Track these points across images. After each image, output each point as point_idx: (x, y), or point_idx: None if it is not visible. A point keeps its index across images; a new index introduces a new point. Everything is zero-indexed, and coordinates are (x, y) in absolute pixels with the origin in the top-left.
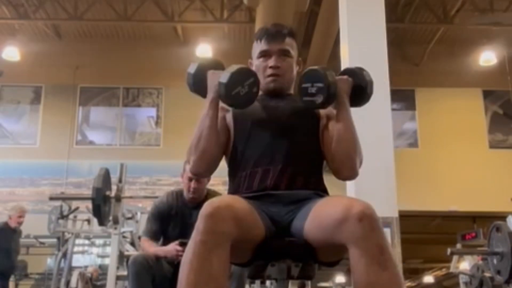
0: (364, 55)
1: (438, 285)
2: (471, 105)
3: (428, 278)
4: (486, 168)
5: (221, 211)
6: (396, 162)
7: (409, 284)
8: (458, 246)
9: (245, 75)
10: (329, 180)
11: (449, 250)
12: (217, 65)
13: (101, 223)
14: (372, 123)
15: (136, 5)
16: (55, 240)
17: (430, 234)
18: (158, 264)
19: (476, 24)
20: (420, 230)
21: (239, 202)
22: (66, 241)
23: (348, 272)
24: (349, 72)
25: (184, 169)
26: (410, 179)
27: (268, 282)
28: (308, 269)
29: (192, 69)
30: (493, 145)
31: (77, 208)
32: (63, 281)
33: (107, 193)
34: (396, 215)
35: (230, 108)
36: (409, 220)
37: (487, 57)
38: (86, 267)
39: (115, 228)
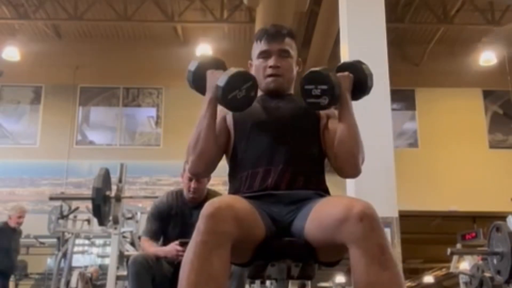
0: (364, 55)
1: (438, 285)
2: (471, 105)
3: (428, 278)
4: (486, 168)
5: (222, 211)
6: (396, 162)
7: (409, 284)
8: (458, 246)
9: (243, 79)
10: (329, 179)
11: (449, 250)
12: (218, 63)
13: (101, 223)
14: (372, 123)
15: (136, 5)
16: (55, 240)
17: (430, 234)
18: (158, 264)
19: (477, 24)
20: (420, 230)
21: (240, 202)
22: (66, 241)
23: (348, 272)
24: (348, 66)
25: (184, 169)
26: (410, 179)
27: (268, 282)
28: (308, 269)
29: (192, 66)
30: (493, 145)
31: (77, 208)
32: (63, 281)
33: (107, 193)
34: (396, 215)
35: None
36: (409, 220)
37: (487, 57)
38: (86, 267)
39: (115, 228)
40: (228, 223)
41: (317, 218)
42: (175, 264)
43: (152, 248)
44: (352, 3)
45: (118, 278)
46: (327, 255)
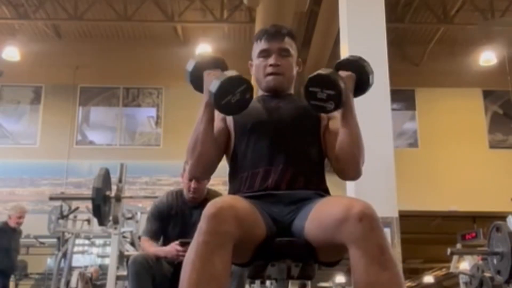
0: (364, 55)
1: (438, 285)
2: (471, 105)
3: (428, 278)
4: (486, 168)
5: (224, 211)
6: (396, 162)
7: (409, 284)
8: (458, 246)
9: (236, 83)
10: (329, 179)
11: (449, 250)
12: (216, 62)
13: (101, 223)
14: (372, 123)
15: (136, 5)
16: (55, 240)
17: (430, 234)
18: (158, 264)
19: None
20: (420, 230)
21: (241, 202)
22: (66, 241)
23: (348, 272)
24: (349, 63)
25: (184, 169)
26: (410, 179)
27: (268, 282)
28: (308, 269)
29: (189, 66)
30: (493, 145)
31: (77, 208)
32: (63, 281)
33: (107, 193)
34: (396, 215)
35: None
36: (409, 220)
37: (487, 57)
38: (86, 267)
39: (115, 228)
40: (230, 224)
41: (317, 218)
42: (175, 264)
43: (152, 248)
44: (352, 3)
45: (118, 278)
46: (327, 255)
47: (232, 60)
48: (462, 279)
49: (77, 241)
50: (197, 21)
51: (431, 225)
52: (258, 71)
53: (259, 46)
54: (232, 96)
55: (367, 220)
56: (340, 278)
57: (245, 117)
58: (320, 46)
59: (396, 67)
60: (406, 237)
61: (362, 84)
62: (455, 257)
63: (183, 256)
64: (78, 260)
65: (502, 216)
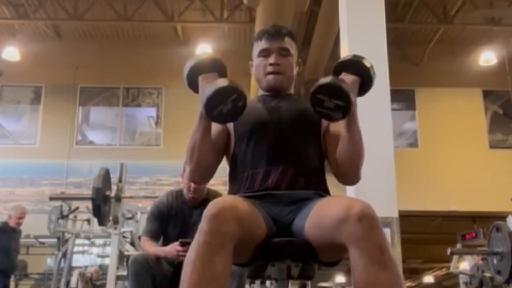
0: (364, 55)
1: (438, 285)
2: (471, 105)
3: (428, 278)
4: (486, 168)
5: (225, 212)
6: (396, 162)
7: (409, 284)
8: (458, 246)
9: (226, 93)
10: (329, 179)
11: (449, 250)
12: (213, 64)
13: (101, 223)
14: (372, 123)
15: (136, 5)
16: (55, 240)
17: (430, 234)
18: (158, 264)
19: (477, 24)
20: (420, 230)
21: (242, 203)
22: (66, 241)
23: (348, 272)
24: (352, 64)
25: (184, 169)
26: (410, 179)
27: (268, 282)
28: (308, 269)
29: (185, 70)
30: (493, 145)
31: (77, 208)
32: (63, 281)
33: (107, 193)
34: (396, 215)
35: None
36: (409, 220)
37: (487, 57)
38: (86, 267)
39: (115, 228)
40: (231, 224)
41: (317, 218)
42: (175, 264)
43: (152, 248)
44: (352, 3)
45: (118, 278)
46: (327, 255)
47: (232, 60)
48: (462, 279)
49: (77, 241)
50: (197, 21)
51: (431, 225)
52: (258, 71)
53: (259, 46)
54: (223, 106)
55: (367, 220)
56: (340, 278)
57: (246, 117)
58: (320, 46)
59: (396, 67)
60: (406, 237)
61: (363, 86)
62: (455, 257)
63: (183, 256)
64: (78, 260)
65: (502, 216)
